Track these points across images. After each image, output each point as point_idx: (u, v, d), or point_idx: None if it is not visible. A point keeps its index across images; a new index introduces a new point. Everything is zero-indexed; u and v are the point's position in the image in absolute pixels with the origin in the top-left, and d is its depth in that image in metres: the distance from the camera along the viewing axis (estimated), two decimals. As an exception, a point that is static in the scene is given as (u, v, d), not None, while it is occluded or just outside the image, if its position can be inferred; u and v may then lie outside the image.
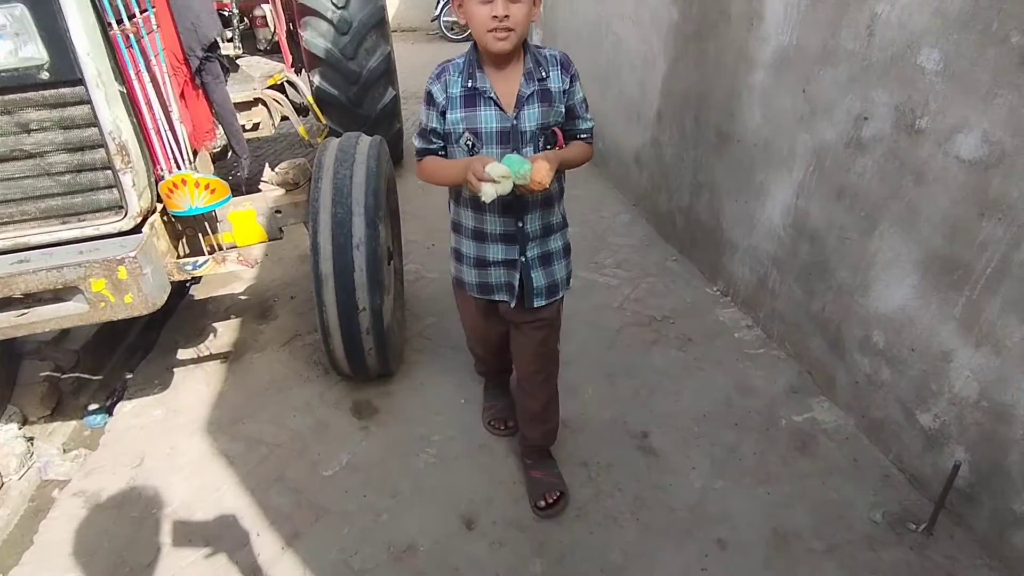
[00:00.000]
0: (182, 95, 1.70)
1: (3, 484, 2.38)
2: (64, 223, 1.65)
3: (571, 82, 1.56)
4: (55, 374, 2.87)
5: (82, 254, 1.64)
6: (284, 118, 3.59)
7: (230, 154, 2.21)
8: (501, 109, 1.49)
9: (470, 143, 1.51)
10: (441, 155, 1.58)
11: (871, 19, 1.87)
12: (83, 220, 1.66)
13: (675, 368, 2.61)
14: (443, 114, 1.51)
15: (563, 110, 1.56)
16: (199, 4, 1.67)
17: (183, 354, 3.00)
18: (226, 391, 2.70)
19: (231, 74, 3.25)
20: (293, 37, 4.12)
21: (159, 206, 1.87)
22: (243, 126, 3.38)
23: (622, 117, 3.94)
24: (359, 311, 2.14)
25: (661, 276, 3.26)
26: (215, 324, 3.18)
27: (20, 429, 2.62)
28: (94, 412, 2.72)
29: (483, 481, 2.14)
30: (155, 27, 1.59)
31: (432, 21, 9.89)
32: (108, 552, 1.99)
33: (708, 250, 3.10)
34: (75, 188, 1.61)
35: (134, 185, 1.62)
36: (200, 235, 1.96)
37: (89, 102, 1.50)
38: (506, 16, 1.35)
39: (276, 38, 3.93)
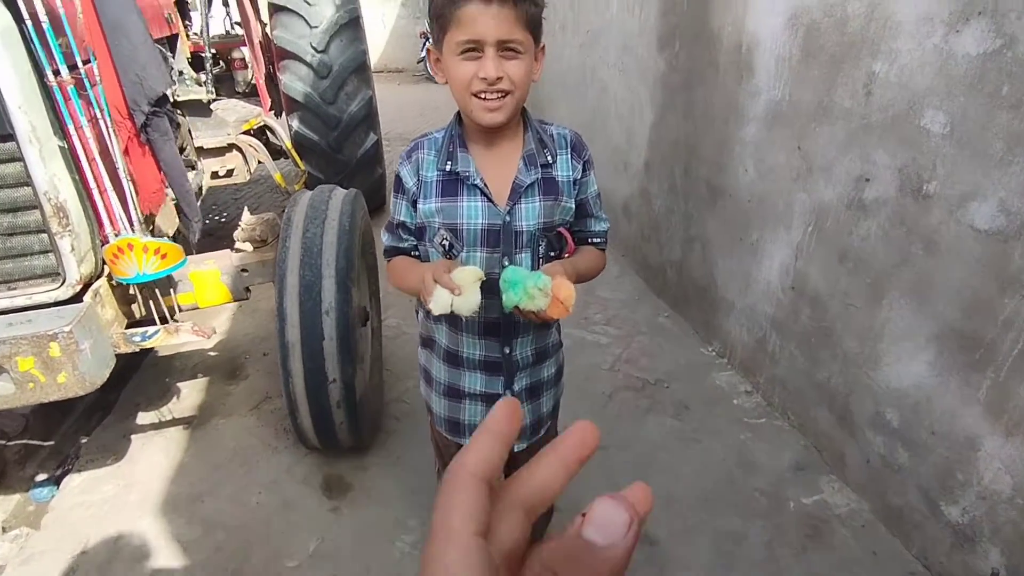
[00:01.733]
0: (126, 152, 1.55)
1: (-73, 572, 2.13)
2: (-8, 293, 1.47)
3: (584, 170, 1.21)
4: (42, 402, 2.64)
5: (11, 326, 1.45)
6: (261, 163, 3.46)
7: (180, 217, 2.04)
8: (490, 201, 1.13)
9: (447, 243, 1.16)
10: (415, 255, 1.25)
11: (868, 77, 1.78)
12: (14, 288, 1.48)
13: (672, 440, 2.43)
14: (414, 203, 1.18)
15: (572, 206, 1.21)
16: (145, 55, 1.52)
17: (143, 418, 2.78)
18: (186, 463, 2.47)
19: (203, 119, 3.12)
20: (272, 80, 4.03)
21: (107, 270, 1.70)
22: (215, 172, 3.25)
23: (609, 166, 3.85)
24: (329, 383, 1.95)
25: (653, 334, 3.11)
26: (180, 384, 2.97)
27: (-49, 506, 2.37)
28: (41, 484, 2.48)
29: None
30: (99, 79, 1.45)
31: (418, 63, 9.97)
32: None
33: (702, 308, 2.97)
34: (6, 253, 1.44)
35: (73, 250, 1.45)
36: (152, 302, 1.78)
37: (21, 159, 1.34)
38: (499, 78, 1.02)
39: (254, 81, 3.84)
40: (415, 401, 2.71)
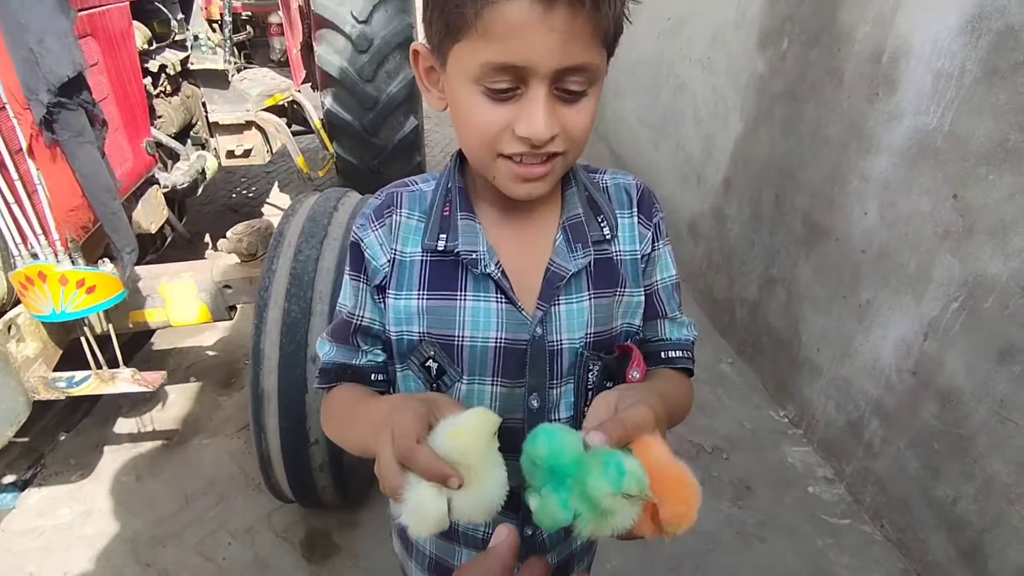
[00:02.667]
0: (31, 153, 1.15)
1: None
2: None
3: (654, 240, 0.75)
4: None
5: None
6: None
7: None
8: (510, 301, 0.68)
9: (433, 368, 0.70)
10: (377, 379, 0.75)
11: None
12: None
13: (729, 533, 1.97)
14: (381, 291, 0.71)
15: (641, 299, 0.75)
16: (43, 23, 1.10)
17: (121, 425, 2.47)
18: (156, 491, 2.15)
19: (221, 92, 2.74)
20: (310, 50, 3.63)
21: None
22: (231, 151, 2.88)
23: (678, 175, 3.33)
24: (310, 444, 1.56)
25: (713, 384, 2.62)
26: (169, 387, 2.65)
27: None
28: (6, 488, 2.20)
29: None
30: None
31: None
32: None
33: (776, 362, 2.46)
34: None
35: (-35, 278, 1.08)
36: (85, 338, 1.40)
37: None
38: (551, 138, 0.58)
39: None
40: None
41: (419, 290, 0.69)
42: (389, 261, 0.70)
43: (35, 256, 1.18)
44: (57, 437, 2.43)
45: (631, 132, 4.17)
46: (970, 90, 1.49)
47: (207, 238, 3.74)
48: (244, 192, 4.66)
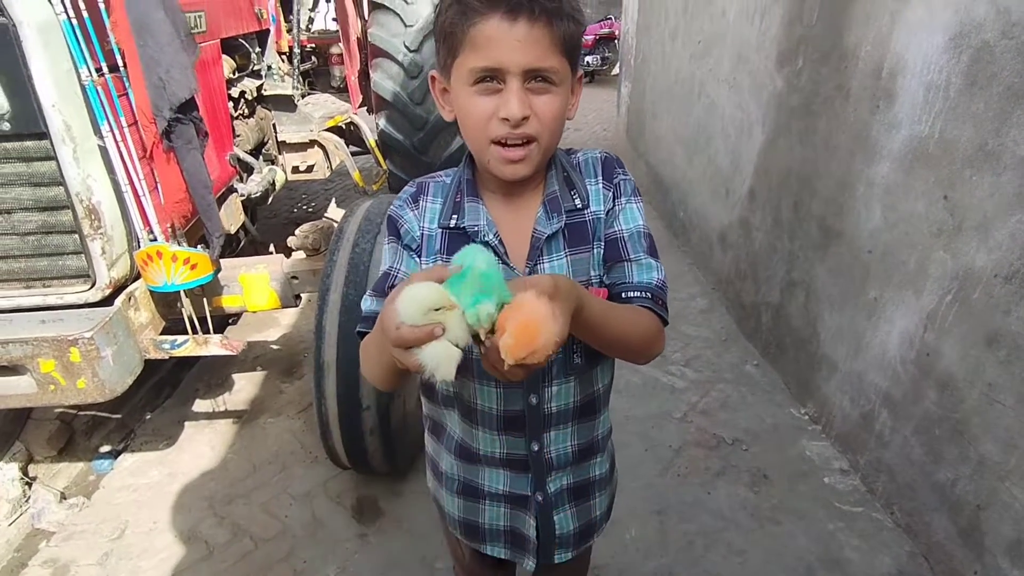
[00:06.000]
0: (151, 157, 1.47)
1: (-8, 530, 2.23)
2: (28, 287, 1.44)
3: (615, 197, 0.92)
4: (70, 411, 2.75)
5: (43, 324, 1.41)
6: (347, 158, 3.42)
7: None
8: (504, 263, 0.88)
9: None
10: None
11: (1058, 118, 1.38)
12: (48, 286, 1.44)
13: (743, 515, 2.10)
14: (418, 255, 0.92)
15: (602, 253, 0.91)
16: (170, 57, 1.43)
17: (199, 405, 2.80)
18: (229, 460, 2.45)
19: (288, 114, 3.11)
20: (367, 78, 4.00)
21: (149, 271, 1.64)
22: (296, 167, 3.23)
23: (709, 188, 3.50)
24: (363, 409, 1.81)
25: (737, 383, 2.75)
26: (238, 375, 2.98)
27: (20, 470, 2.49)
28: (104, 456, 2.55)
29: (481, 644, 1.72)
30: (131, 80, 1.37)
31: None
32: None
33: (798, 361, 2.58)
34: (41, 251, 1.40)
35: (104, 253, 1.39)
36: (185, 310, 1.71)
37: (54, 158, 1.27)
38: (524, 118, 0.78)
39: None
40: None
41: (440, 255, 0.91)
42: (420, 234, 0.92)
43: (154, 239, 1.49)
44: (144, 415, 2.78)
45: (668, 149, 4.36)
46: (955, 100, 1.64)
47: (271, 248, 4.13)
48: (304, 207, 5.08)
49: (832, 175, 2.25)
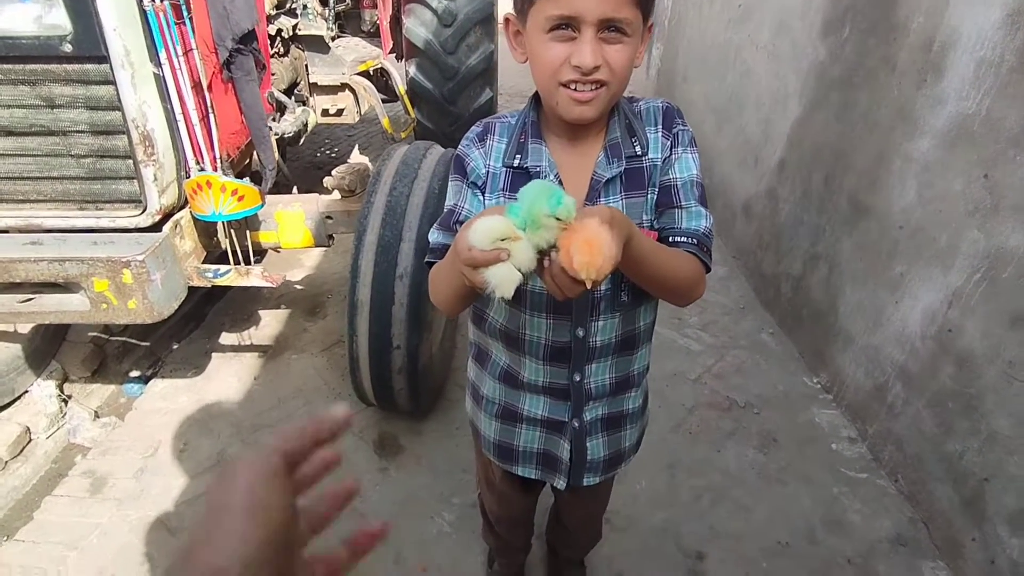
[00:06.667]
0: (210, 88, 1.48)
1: (31, 441, 2.35)
2: (81, 209, 1.48)
3: (672, 147, 0.96)
4: (103, 335, 2.84)
5: (95, 245, 1.46)
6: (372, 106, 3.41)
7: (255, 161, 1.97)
8: None
9: None
10: None
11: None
12: (101, 209, 1.48)
13: (751, 474, 2.17)
14: (483, 193, 0.97)
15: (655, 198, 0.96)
16: None
17: (225, 338, 2.88)
18: (255, 391, 2.54)
19: (321, 55, 3.09)
20: (398, 23, 3.94)
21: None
22: (326, 110, 3.23)
23: (736, 158, 3.47)
24: (393, 348, 1.87)
25: (752, 350, 2.80)
26: (263, 312, 3.05)
27: (57, 388, 2.59)
28: (134, 380, 2.66)
29: (496, 574, 1.82)
30: (192, 7, 1.37)
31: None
32: (96, 551, 1.86)
33: (814, 333, 2.62)
34: (96, 174, 1.43)
35: (156, 180, 1.42)
36: (228, 240, 1.75)
37: (113, 82, 1.29)
38: (596, 67, 0.82)
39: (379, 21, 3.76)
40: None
41: (504, 192, 0.96)
42: (486, 172, 0.97)
43: (203, 169, 1.52)
44: (172, 345, 2.87)
45: (698, 115, 4.30)
46: (1006, 78, 1.63)
47: (294, 190, 4.16)
48: (328, 152, 5.07)
49: (868, 150, 2.24)
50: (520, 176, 0.94)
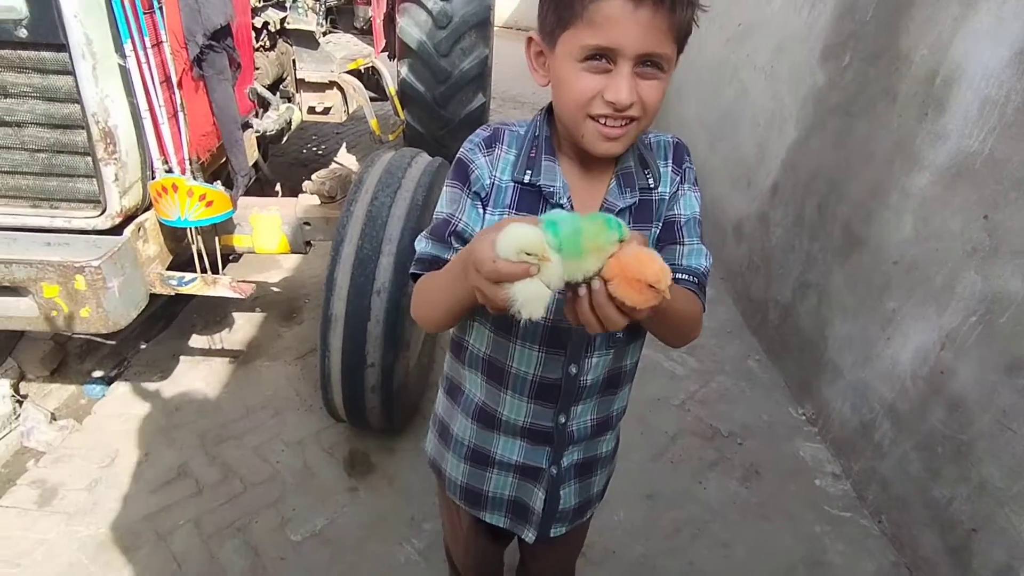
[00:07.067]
0: (179, 85, 1.39)
1: (-19, 445, 2.22)
2: (35, 207, 1.38)
3: (681, 182, 0.93)
4: (65, 332, 2.71)
5: (48, 247, 1.36)
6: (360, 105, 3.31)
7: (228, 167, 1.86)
8: None
9: None
10: None
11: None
12: (56, 208, 1.38)
13: (733, 509, 2.11)
14: (483, 206, 0.89)
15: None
16: None
17: (195, 341, 2.77)
18: (223, 399, 2.42)
19: (309, 51, 2.99)
20: (392, 22, 3.84)
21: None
22: (312, 107, 3.13)
23: (729, 178, 3.43)
24: (367, 366, 1.78)
25: (738, 377, 2.75)
26: (237, 314, 2.93)
27: (12, 387, 2.46)
28: (96, 381, 2.53)
29: (464, 609, 1.74)
30: None
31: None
32: (38, 569, 1.75)
33: (801, 362, 2.57)
34: (51, 170, 1.33)
35: (116, 180, 1.32)
36: (196, 246, 1.65)
37: (72, 73, 1.19)
38: (631, 104, 0.76)
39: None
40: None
41: (509, 209, 0.88)
42: (491, 184, 0.88)
43: (170, 171, 1.42)
44: (139, 345, 2.74)
45: (690, 133, 4.26)
46: (1012, 117, 1.59)
47: (277, 187, 4.04)
48: (314, 149, 4.95)
49: (865, 180, 2.20)
50: (529, 194, 0.88)
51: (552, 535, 1.07)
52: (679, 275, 0.89)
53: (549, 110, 0.90)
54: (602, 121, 0.79)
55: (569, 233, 0.62)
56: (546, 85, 0.85)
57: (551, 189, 0.87)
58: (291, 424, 2.32)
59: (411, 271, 0.90)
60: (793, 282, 2.67)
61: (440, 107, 3.71)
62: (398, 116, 3.69)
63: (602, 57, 0.75)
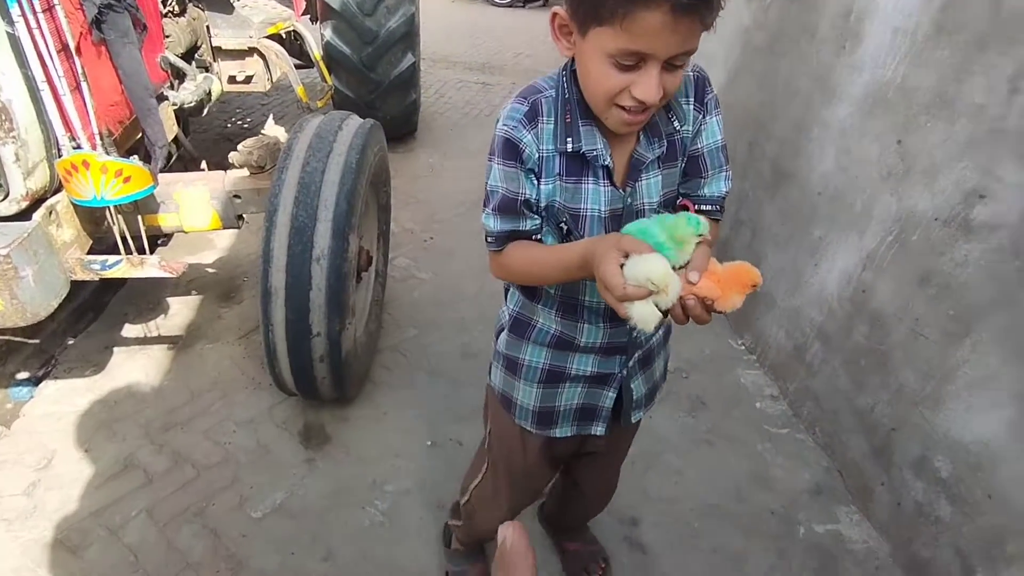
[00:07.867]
0: (79, 51, 1.28)
1: None
2: (-71, 196, 1.26)
3: (705, 115, 0.97)
4: (-17, 334, 2.54)
5: (-50, 238, 1.25)
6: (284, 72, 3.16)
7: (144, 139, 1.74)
8: (612, 183, 0.94)
9: (564, 228, 0.96)
10: (538, 238, 0.99)
11: (1019, 71, 1.42)
12: (-48, 195, 1.27)
13: (682, 438, 2.22)
14: (537, 177, 0.94)
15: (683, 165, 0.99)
16: None
17: (129, 330, 2.64)
18: (165, 387, 2.34)
19: (224, 16, 2.82)
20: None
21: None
22: (233, 77, 2.97)
23: (663, 124, 3.48)
24: (312, 336, 1.75)
25: (680, 316, 2.85)
26: (171, 299, 2.81)
27: (-75, 397, 2.30)
28: (21, 383, 2.39)
29: (433, 560, 1.78)
30: None
31: (476, -20, 9.30)
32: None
33: (739, 297, 2.68)
34: (-59, 154, 1.21)
35: (17, 160, 1.23)
36: (117, 227, 1.56)
37: (-47, 45, 1.09)
38: (658, 100, 0.83)
39: (288, -21, 3.47)
40: (413, 354, 2.53)
41: (560, 177, 0.93)
42: (539, 157, 0.92)
43: (78, 147, 1.33)
44: (66, 341, 2.60)
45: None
46: (921, 46, 1.67)
47: (203, 164, 3.85)
48: (239, 122, 4.72)
49: (790, 117, 2.28)
50: (574, 161, 0.93)
51: (635, 420, 1.20)
52: (704, 206, 0.98)
53: (572, 77, 0.91)
54: (627, 110, 0.83)
55: (668, 235, 0.79)
56: (566, 55, 0.89)
57: (595, 152, 0.91)
58: (240, 404, 2.27)
59: (490, 248, 1.00)
60: (728, 220, 2.76)
61: (368, 70, 3.59)
62: (325, 82, 3.55)
63: (634, 58, 0.78)
